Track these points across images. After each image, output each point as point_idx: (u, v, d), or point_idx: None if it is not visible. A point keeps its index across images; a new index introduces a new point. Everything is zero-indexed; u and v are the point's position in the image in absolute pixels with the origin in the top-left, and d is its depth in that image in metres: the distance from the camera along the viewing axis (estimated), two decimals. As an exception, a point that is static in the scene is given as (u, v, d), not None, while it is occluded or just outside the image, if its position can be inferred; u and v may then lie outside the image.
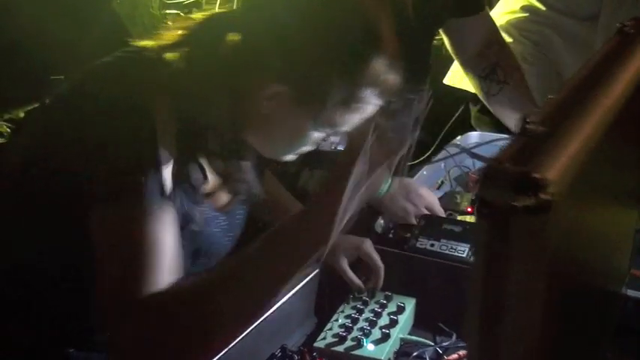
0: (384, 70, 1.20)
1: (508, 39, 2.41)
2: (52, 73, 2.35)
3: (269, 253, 1.09)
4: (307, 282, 1.58)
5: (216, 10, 1.30)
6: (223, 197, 1.32)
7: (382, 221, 1.76)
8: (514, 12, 2.45)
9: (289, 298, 1.52)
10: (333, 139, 1.29)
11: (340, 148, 1.31)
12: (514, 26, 2.42)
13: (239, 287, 1.08)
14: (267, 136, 1.27)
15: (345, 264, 1.59)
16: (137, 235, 1.09)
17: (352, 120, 1.23)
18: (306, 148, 1.31)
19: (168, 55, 1.19)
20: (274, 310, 1.47)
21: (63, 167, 1.15)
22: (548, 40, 2.38)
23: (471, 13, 1.98)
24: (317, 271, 1.61)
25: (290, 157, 1.33)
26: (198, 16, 1.26)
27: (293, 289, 1.52)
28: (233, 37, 1.19)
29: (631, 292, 1.40)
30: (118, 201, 1.10)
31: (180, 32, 1.23)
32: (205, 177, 1.26)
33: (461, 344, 1.46)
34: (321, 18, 1.18)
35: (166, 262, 1.09)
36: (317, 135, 1.26)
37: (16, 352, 1.27)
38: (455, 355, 1.42)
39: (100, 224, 1.11)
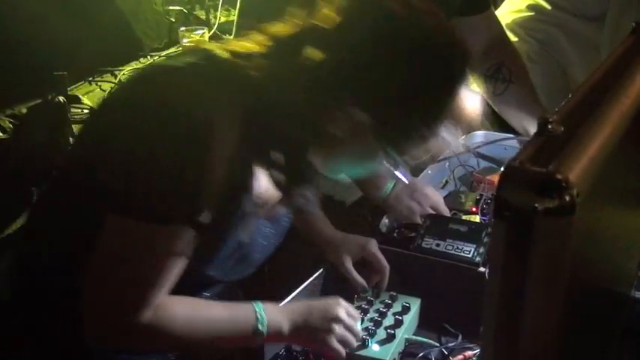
0: (463, 109, 1.19)
1: (513, 38, 2.40)
2: (55, 69, 2.33)
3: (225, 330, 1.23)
4: (312, 282, 1.56)
5: (294, 21, 1.20)
6: (276, 208, 1.30)
7: (387, 220, 1.74)
8: (520, 11, 2.44)
9: (293, 298, 1.50)
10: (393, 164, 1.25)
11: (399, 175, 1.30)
12: (519, 25, 2.41)
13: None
14: (332, 157, 1.23)
15: (349, 264, 1.57)
16: (146, 255, 1.11)
17: (419, 150, 1.22)
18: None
19: (247, 65, 1.15)
20: (279, 310, 1.45)
21: (102, 173, 1.14)
22: (553, 39, 2.37)
23: (476, 12, 1.96)
24: (321, 270, 1.59)
25: (343, 176, 1.33)
26: (280, 26, 1.20)
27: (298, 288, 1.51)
28: (318, 54, 1.13)
29: (638, 294, 1.39)
30: (141, 219, 1.10)
31: (261, 41, 1.19)
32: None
33: (467, 345, 1.44)
34: (411, 57, 1.14)
35: (166, 285, 1.13)
36: (381, 162, 1.23)
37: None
38: (460, 356, 1.41)
39: (114, 233, 1.11)
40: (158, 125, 1.11)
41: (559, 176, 0.58)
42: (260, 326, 1.24)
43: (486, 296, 0.62)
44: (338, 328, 1.32)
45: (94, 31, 2.70)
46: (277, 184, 1.19)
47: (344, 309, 1.34)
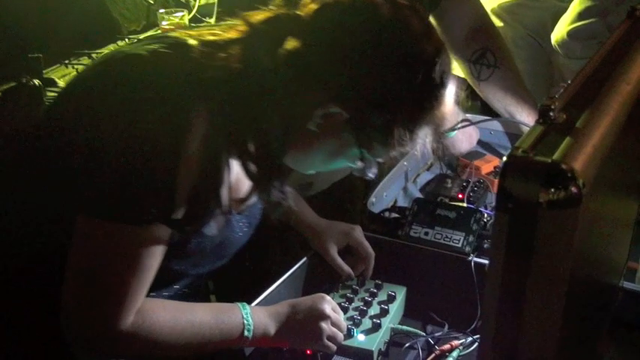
0: (445, 113, 1.16)
1: (499, 23, 2.38)
2: (30, 52, 2.27)
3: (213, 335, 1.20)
4: (295, 270, 1.54)
5: (277, 9, 1.14)
6: (250, 201, 1.25)
7: (374, 198, 1.71)
8: None
9: (277, 286, 1.48)
10: (367, 166, 1.21)
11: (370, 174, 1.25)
12: (505, 10, 2.39)
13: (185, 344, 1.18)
14: (304, 151, 1.19)
15: (334, 251, 1.55)
16: (122, 257, 1.07)
17: (393, 153, 1.18)
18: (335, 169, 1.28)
19: (220, 55, 1.10)
20: (262, 299, 1.43)
21: (67, 161, 1.09)
22: (540, 25, 2.35)
23: None
24: (305, 259, 1.57)
25: (312, 172, 1.28)
26: (259, 14, 1.15)
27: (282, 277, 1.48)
28: (295, 44, 1.09)
29: (627, 285, 1.38)
30: (112, 220, 1.06)
31: (237, 27, 1.14)
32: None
33: (453, 334, 1.43)
34: (393, 58, 1.10)
35: (145, 287, 1.10)
36: (354, 162, 1.20)
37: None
38: (447, 346, 1.39)
39: (86, 236, 1.07)
40: (123, 120, 1.05)
41: (564, 166, 0.56)
42: (247, 332, 1.22)
43: (487, 289, 0.59)
44: (326, 326, 1.29)
45: (71, 13, 2.63)
46: (251, 176, 1.14)
47: (329, 305, 1.32)
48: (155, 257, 1.10)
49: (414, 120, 1.13)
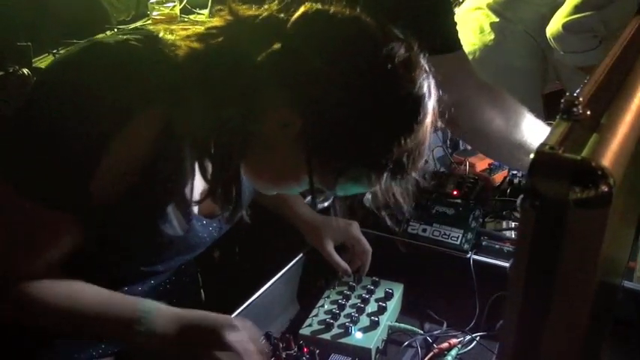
0: (417, 152, 1.07)
1: (495, 18, 2.36)
2: (18, 41, 2.23)
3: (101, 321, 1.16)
4: (292, 266, 1.52)
5: (268, 11, 1.09)
6: (210, 206, 1.22)
7: (370, 194, 1.69)
8: None
9: (273, 282, 1.46)
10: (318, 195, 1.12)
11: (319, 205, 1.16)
12: (502, 5, 2.37)
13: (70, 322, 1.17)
14: (258, 163, 1.12)
15: (330, 247, 1.53)
16: (26, 232, 1.10)
17: (349, 190, 1.11)
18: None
19: (192, 44, 1.06)
20: (258, 296, 1.41)
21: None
22: (536, 20, 2.33)
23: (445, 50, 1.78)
24: (300, 255, 1.55)
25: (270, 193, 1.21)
26: (248, 9, 1.09)
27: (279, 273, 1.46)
28: (275, 45, 1.03)
29: (626, 284, 1.37)
30: (28, 197, 1.06)
31: (221, 17, 1.09)
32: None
33: (451, 332, 1.41)
34: (361, 78, 1.02)
35: (33, 263, 1.11)
36: (303, 187, 1.12)
37: None
38: (446, 344, 1.38)
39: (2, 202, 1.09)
40: (69, 105, 1.05)
41: (595, 164, 0.54)
42: (143, 314, 1.14)
43: (510, 290, 0.57)
44: (218, 354, 1.15)
45: (60, 2, 2.59)
46: (205, 175, 1.10)
47: (238, 333, 1.15)
48: (52, 242, 1.11)
49: (376, 150, 1.04)
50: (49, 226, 1.09)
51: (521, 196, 0.55)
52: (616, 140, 0.59)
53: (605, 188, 0.53)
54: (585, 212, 0.53)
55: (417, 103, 1.03)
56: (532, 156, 0.55)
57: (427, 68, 1.05)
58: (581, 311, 0.57)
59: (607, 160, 0.55)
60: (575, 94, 0.63)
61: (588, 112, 0.63)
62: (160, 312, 1.16)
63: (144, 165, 1.08)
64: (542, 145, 0.56)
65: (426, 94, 1.04)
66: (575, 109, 0.62)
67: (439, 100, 1.07)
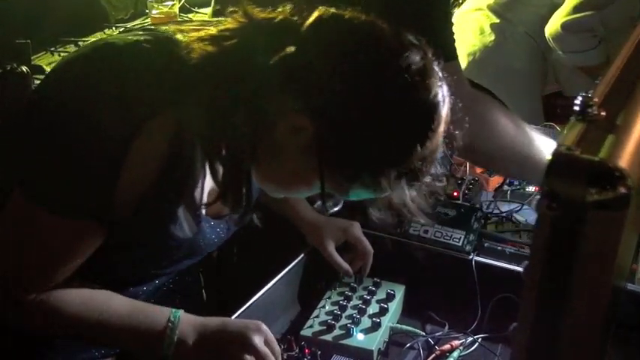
0: (430, 159, 1.05)
1: (496, 19, 2.36)
2: (17, 37, 2.22)
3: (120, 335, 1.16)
4: (293, 266, 1.51)
5: (282, 14, 1.07)
6: (219, 208, 1.19)
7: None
8: None
9: (274, 283, 1.44)
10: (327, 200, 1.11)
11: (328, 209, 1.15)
12: (502, 7, 2.37)
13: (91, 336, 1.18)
14: (269, 167, 1.09)
15: (332, 247, 1.52)
16: (44, 242, 1.07)
17: (360, 195, 1.09)
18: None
19: (207, 47, 1.03)
20: (259, 297, 1.40)
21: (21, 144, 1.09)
22: (536, 22, 2.33)
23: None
24: (302, 256, 1.54)
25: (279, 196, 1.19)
26: (261, 12, 1.07)
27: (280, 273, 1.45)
28: (289, 48, 1.01)
29: (630, 287, 1.37)
30: (45, 207, 1.05)
31: (235, 19, 1.07)
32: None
33: (453, 334, 1.41)
34: (376, 83, 1.00)
35: (52, 271, 1.10)
36: (314, 192, 1.11)
37: None
38: (447, 346, 1.37)
39: (17, 213, 1.07)
40: (83, 112, 1.03)
41: (613, 165, 0.53)
42: (169, 332, 1.14)
43: (525, 291, 0.56)
44: (248, 358, 1.16)
45: (59, 0, 2.58)
46: (216, 178, 1.09)
47: (261, 336, 1.18)
48: (73, 250, 1.09)
49: (388, 160, 1.03)
50: (74, 236, 1.07)
51: (538, 197, 0.55)
52: (632, 141, 0.59)
53: (623, 190, 0.52)
54: (603, 214, 0.53)
55: (431, 110, 1.02)
56: (549, 157, 0.54)
57: (441, 75, 1.04)
58: (597, 314, 0.56)
59: (624, 161, 0.55)
60: (589, 95, 0.63)
61: (603, 113, 0.62)
62: (186, 320, 1.16)
63: (159, 168, 1.06)
64: (559, 145, 0.55)
65: (441, 102, 1.03)
66: (590, 110, 0.61)
67: (452, 109, 1.06)
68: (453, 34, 1.50)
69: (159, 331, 1.14)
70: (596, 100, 0.62)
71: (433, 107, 1.02)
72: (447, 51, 1.52)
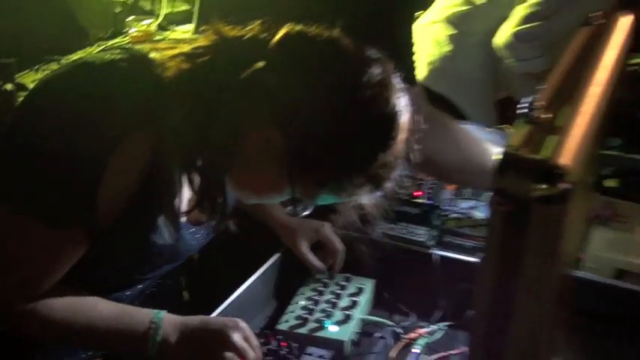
0: (392, 165, 1.06)
1: (452, 31, 2.38)
2: (2, 57, 2.19)
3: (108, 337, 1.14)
4: (268, 266, 1.51)
5: (250, 29, 1.09)
6: (198, 214, 1.18)
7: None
8: (455, 5, 2.42)
9: (252, 282, 1.45)
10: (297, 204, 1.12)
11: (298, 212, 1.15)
12: (458, 19, 2.39)
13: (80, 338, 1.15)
14: (242, 176, 1.10)
15: (304, 247, 1.53)
16: (30, 253, 1.06)
17: (328, 200, 1.10)
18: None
19: (181, 65, 1.04)
20: (238, 295, 1.40)
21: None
22: (489, 34, 2.36)
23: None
24: (277, 255, 1.54)
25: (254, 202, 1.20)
26: (232, 29, 1.08)
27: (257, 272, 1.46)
28: (259, 64, 1.02)
29: (578, 274, 1.39)
30: (30, 217, 1.03)
31: (206, 37, 1.07)
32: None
33: (419, 323, 1.42)
34: (340, 96, 1.01)
35: (40, 281, 1.08)
36: (285, 197, 1.11)
37: None
38: (414, 334, 1.38)
39: (2, 223, 1.05)
40: (59, 131, 1.02)
41: (554, 164, 0.55)
42: (152, 332, 1.13)
43: (479, 283, 0.58)
44: (229, 355, 1.15)
45: (41, 20, 2.56)
46: (194, 188, 1.09)
47: (240, 333, 1.17)
48: (58, 259, 1.07)
49: (354, 167, 1.04)
50: (57, 245, 1.06)
51: (491, 194, 0.56)
52: (573, 141, 0.60)
53: (564, 186, 0.54)
54: (547, 208, 0.54)
55: (391, 120, 1.03)
56: (498, 157, 0.56)
57: (401, 87, 1.06)
58: (546, 298, 0.58)
59: (566, 159, 0.56)
60: (534, 99, 0.64)
61: (547, 115, 0.64)
62: (168, 320, 1.15)
63: (138, 182, 1.05)
64: (507, 146, 0.57)
65: (400, 112, 1.04)
66: (534, 113, 0.63)
67: (412, 116, 1.07)
68: (414, 62, 1.51)
69: (143, 332, 1.13)
70: (540, 103, 0.64)
71: (393, 117, 1.03)
72: (410, 76, 1.54)
